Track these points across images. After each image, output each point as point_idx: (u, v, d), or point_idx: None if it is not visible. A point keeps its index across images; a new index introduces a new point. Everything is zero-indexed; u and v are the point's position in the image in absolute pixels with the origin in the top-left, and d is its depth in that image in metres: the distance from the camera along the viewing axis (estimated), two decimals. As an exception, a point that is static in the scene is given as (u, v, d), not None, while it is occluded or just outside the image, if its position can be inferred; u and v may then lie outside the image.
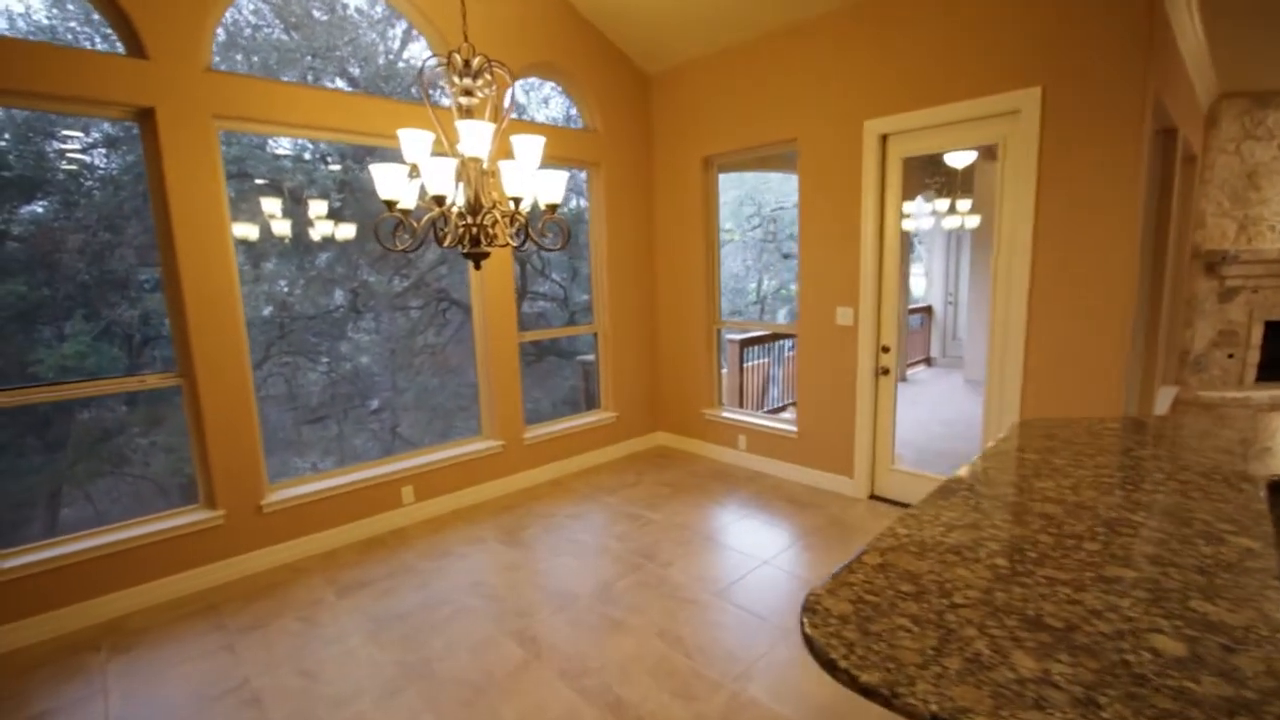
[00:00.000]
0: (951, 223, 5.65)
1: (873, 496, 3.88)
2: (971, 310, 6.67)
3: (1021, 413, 3.18)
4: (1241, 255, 4.73)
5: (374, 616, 2.75)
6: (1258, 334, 4.96)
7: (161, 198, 2.82)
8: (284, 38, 4.96)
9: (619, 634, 2.58)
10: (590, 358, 5.53)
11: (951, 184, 5.60)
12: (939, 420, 5.86)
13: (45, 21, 3.81)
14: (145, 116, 2.78)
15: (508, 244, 2.42)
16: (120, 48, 2.75)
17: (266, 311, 5.37)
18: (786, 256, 12.66)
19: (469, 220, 2.39)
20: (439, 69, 2.34)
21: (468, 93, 2.37)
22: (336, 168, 5.45)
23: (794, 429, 4.23)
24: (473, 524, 3.71)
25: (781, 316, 11.99)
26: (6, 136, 3.93)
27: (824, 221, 3.85)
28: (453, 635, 2.60)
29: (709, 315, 4.72)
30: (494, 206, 2.43)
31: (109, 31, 2.79)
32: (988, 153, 5.27)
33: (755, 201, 12.18)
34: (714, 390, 4.82)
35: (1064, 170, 2.91)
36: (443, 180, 2.13)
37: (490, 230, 2.44)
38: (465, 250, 2.43)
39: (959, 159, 5.07)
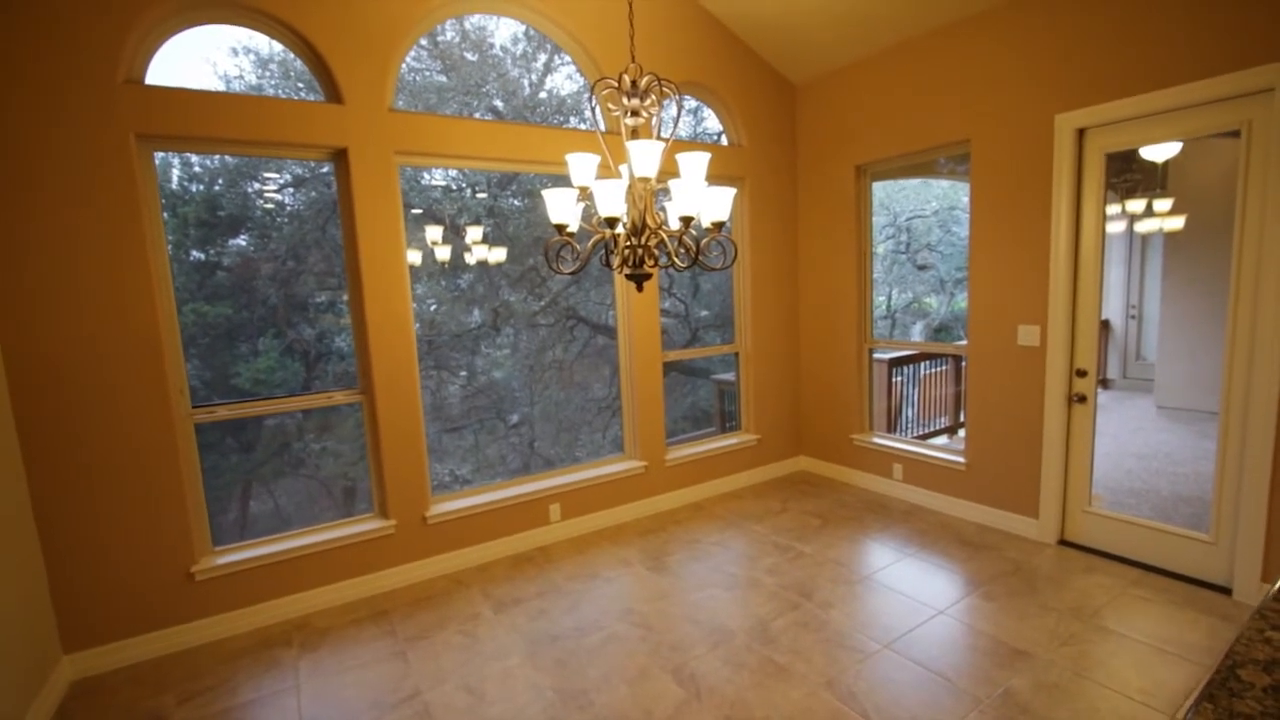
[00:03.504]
0: (1147, 226, 4.89)
1: (1062, 542, 3.38)
2: (1166, 326, 5.74)
3: (1276, 454, 2.60)
4: None
5: (530, 636, 2.76)
6: None
7: (351, 228, 3.07)
8: (441, 79, 5.35)
9: (783, 681, 2.39)
10: (728, 376, 5.39)
11: (1148, 181, 4.85)
12: (1130, 454, 5.05)
13: (254, 80, 4.36)
14: (339, 156, 3.04)
15: (673, 264, 2.35)
16: (321, 96, 3.04)
17: (418, 328, 5.83)
18: (921, 268, 11.78)
19: (634, 241, 2.35)
20: (605, 91, 2.33)
21: (635, 113, 2.33)
22: (483, 195, 5.78)
23: (961, 460, 3.81)
24: (617, 545, 3.68)
25: (916, 333, 11.15)
26: (220, 182, 4.53)
27: (1002, 228, 3.45)
28: (608, 664, 2.54)
29: (860, 333, 4.40)
30: (660, 226, 2.38)
31: (300, 85, 3.10)
32: (1197, 144, 4.52)
33: (890, 210, 11.48)
34: (864, 414, 4.48)
35: (1341, 158, 2.36)
36: (614, 202, 2.10)
37: (654, 251, 2.39)
38: (630, 272, 2.39)
39: (1159, 152, 4.38)
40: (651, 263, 2.39)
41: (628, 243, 2.36)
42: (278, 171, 4.77)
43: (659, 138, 2.23)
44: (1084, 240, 3.19)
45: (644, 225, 2.35)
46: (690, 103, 5.03)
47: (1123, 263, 7.44)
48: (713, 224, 2.38)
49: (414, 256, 4.51)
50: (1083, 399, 3.27)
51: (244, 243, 4.86)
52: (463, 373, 6.37)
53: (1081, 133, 3.09)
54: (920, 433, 6.10)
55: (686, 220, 2.23)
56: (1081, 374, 3.26)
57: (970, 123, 3.51)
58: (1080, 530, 3.33)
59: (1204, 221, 5.09)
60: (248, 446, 5.06)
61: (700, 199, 2.24)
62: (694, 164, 2.21)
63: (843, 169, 4.27)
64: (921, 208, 11.47)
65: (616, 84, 2.29)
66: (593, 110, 2.45)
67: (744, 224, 4.43)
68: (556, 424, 6.42)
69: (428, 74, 5.54)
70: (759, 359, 4.59)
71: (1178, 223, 4.91)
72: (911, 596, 2.96)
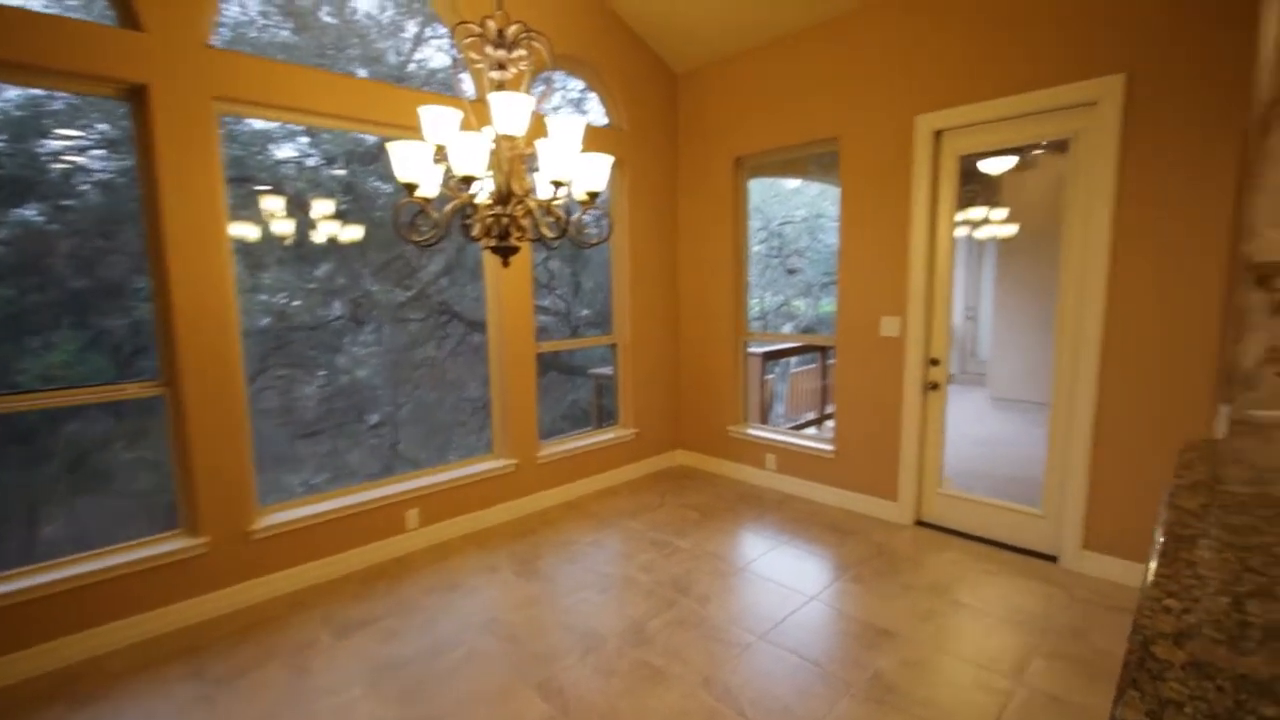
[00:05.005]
0: (985, 234, 5.40)
1: (919, 522, 3.57)
2: (998, 326, 6.40)
3: (1095, 437, 2.88)
4: (1297, 269, 4.50)
5: (376, 662, 2.41)
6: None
7: (152, 185, 2.53)
8: (292, 39, 4.71)
9: (659, 684, 2.25)
10: (606, 371, 5.24)
11: (986, 192, 5.35)
12: (970, 440, 5.54)
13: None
14: (137, 95, 2.50)
15: (544, 237, 2.13)
16: (112, 18, 2.47)
17: (264, 323, 5.08)
18: (791, 273, 12.44)
19: (499, 210, 2.11)
20: (469, 40, 2.06)
21: (501, 66, 2.09)
22: (341, 172, 5.18)
23: (830, 448, 3.93)
24: (484, 551, 3.38)
25: (788, 331, 11.74)
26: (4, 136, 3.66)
27: (869, 224, 3.58)
28: (466, 686, 2.26)
29: (736, 326, 4.43)
30: (526, 195, 2.15)
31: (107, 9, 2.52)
32: (1026, 161, 5.04)
33: (763, 214, 11.98)
34: (740, 406, 4.52)
35: (1147, 168, 2.65)
36: (473, 159, 1.84)
37: (521, 222, 2.15)
38: (494, 244, 2.14)
39: (995, 165, 4.83)
40: (519, 235, 2.16)
41: (491, 211, 2.11)
42: (80, 129, 3.94)
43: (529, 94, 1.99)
44: (939, 237, 3.37)
45: (509, 193, 2.10)
46: (573, 91, 4.83)
47: (962, 267, 8.23)
48: (587, 194, 2.19)
49: (248, 231, 3.91)
50: (936, 386, 3.47)
51: (33, 214, 3.97)
52: (321, 371, 5.69)
53: (939, 134, 3.26)
54: (791, 426, 6.33)
55: (557, 185, 2.02)
56: (935, 363, 3.45)
57: (840, 121, 3.61)
58: (934, 510, 3.53)
59: (1033, 230, 5.71)
60: (37, 458, 4.14)
61: (573, 164, 2.04)
62: (567, 126, 2.00)
63: (722, 160, 4.27)
64: (791, 214, 12.07)
65: (480, 30, 2.03)
66: (455, 64, 2.16)
67: (624, 209, 4.29)
68: (428, 426, 5.92)
69: (275, 30, 4.87)
70: (638, 350, 4.47)
71: (1011, 230, 5.48)
72: (785, 585, 2.95)
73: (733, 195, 4.28)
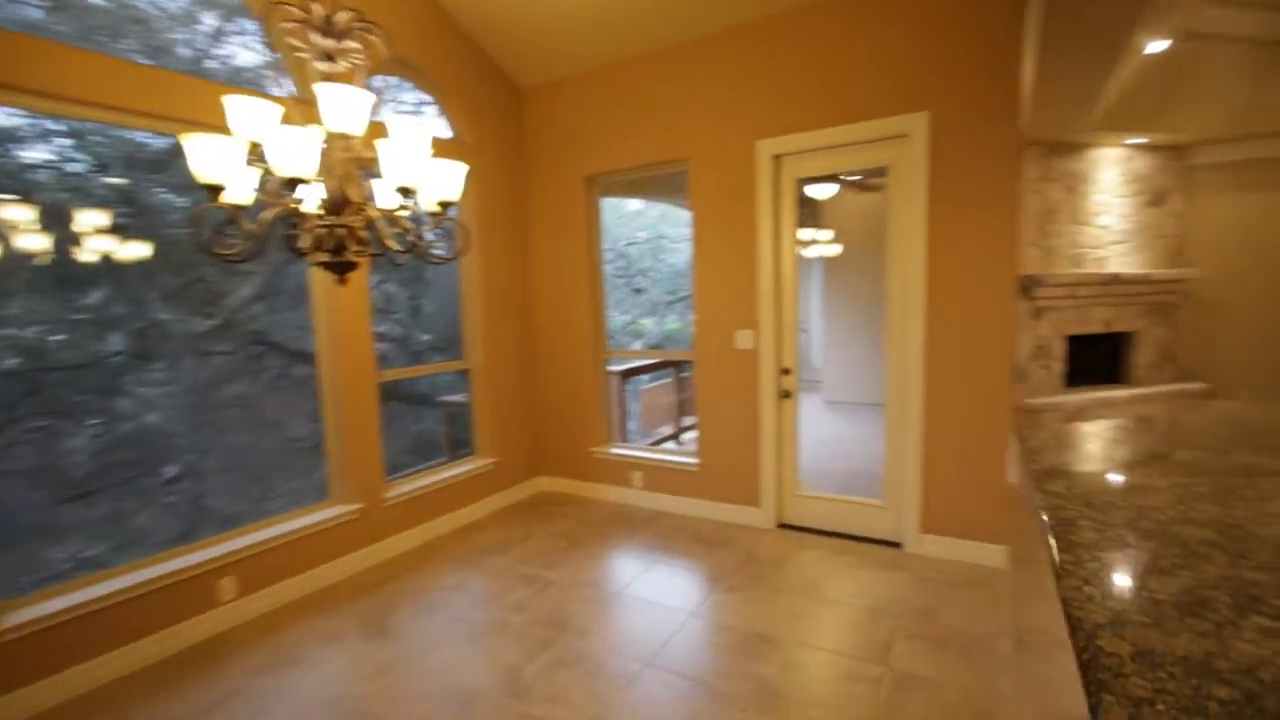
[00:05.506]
0: (813, 253, 5.92)
1: (781, 525, 3.73)
2: (829, 336, 7.04)
3: (925, 431, 3.21)
4: (1048, 279, 5.48)
5: (187, 776, 1.94)
6: (1061, 348, 5.76)
7: None
8: (44, 19, 3.85)
9: (544, 738, 2.05)
10: (456, 398, 4.88)
11: (813, 215, 5.87)
12: (814, 441, 5.99)
13: None
14: None
15: (389, 250, 1.89)
16: None
17: (10, 363, 4.03)
18: (638, 292, 12.79)
19: (332, 221, 1.83)
20: (289, 25, 1.77)
21: (329, 57, 1.83)
22: (120, 180, 4.31)
23: (694, 461, 3.99)
24: (326, 614, 2.92)
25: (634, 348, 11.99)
26: None
27: (720, 243, 3.72)
28: (314, 784, 1.89)
29: (596, 345, 4.36)
30: (365, 204, 1.89)
31: None
32: (852, 186, 5.63)
33: (610, 235, 12.20)
34: (604, 426, 4.44)
35: (950, 193, 3.03)
36: (299, 157, 1.57)
37: (359, 234, 1.89)
38: (327, 260, 1.86)
39: (821, 191, 5.32)
40: (357, 249, 1.89)
41: (323, 222, 1.83)
42: None
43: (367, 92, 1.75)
44: (783, 254, 3.59)
45: (344, 200, 1.84)
46: (406, 105, 4.48)
47: (792, 286, 8.93)
48: (439, 205, 1.99)
49: (-23, 245, 3.06)
50: (788, 394, 3.67)
51: None
52: (94, 419, 4.63)
53: (778, 159, 3.48)
54: (649, 443, 6.39)
55: (404, 193, 1.80)
56: (787, 372, 3.65)
57: (690, 143, 3.73)
58: (794, 512, 3.71)
59: (855, 250, 6.38)
60: None
61: (422, 169, 1.83)
62: (413, 126, 1.80)
63: (573, 178, 4.21)
64: (634, 235, 12.42)
65: (303, 14, 1.76)
66: (272, 64, 1.85)
67: (473, 227, 4.05)
68: (243, 474, 5.08)
69: (19, 6, 3.95)
70: (493, 374, 4.22)
71: (836, 250, 6.06)
72: (664, 604, 2.90)
73: (585, 213, 4.23)
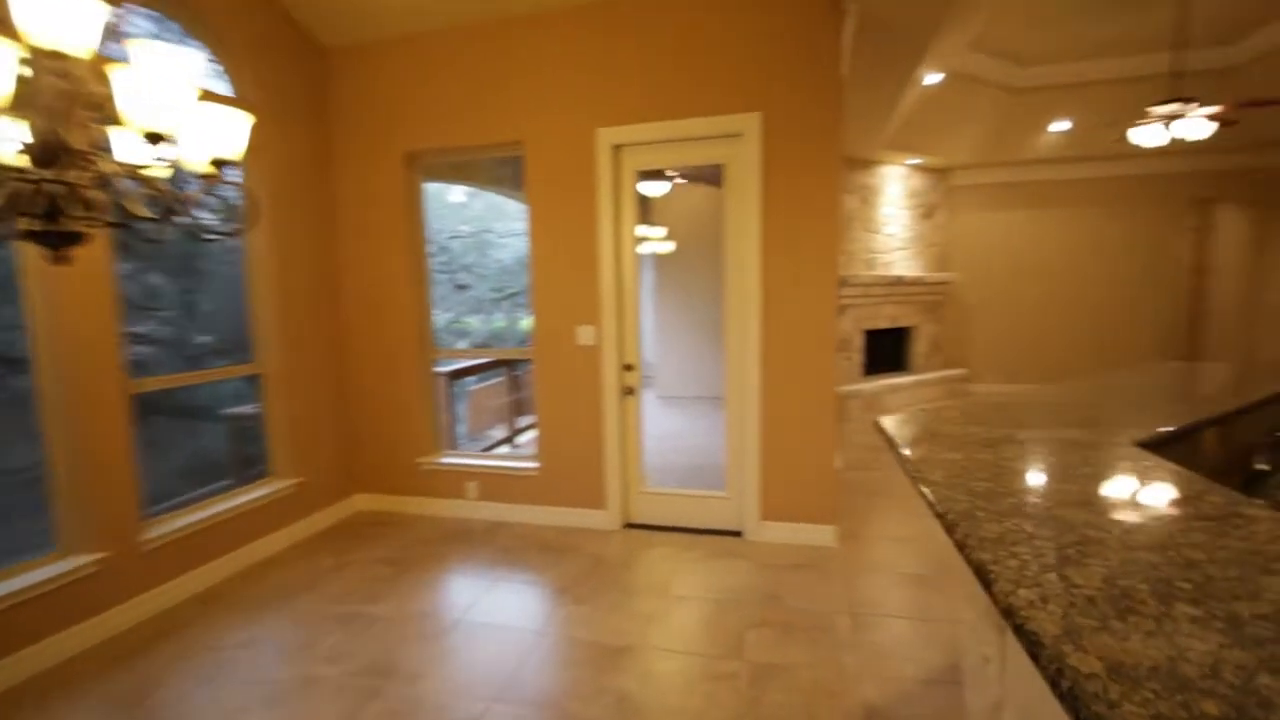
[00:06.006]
0: (644, 249, 5.95)
1: (628, 525, 3.65)
2: (661, 332, 7.19)
3: (762, 423, 3.32)
4: (849, 280, 6.12)
5: None
6: (860, 340, 6.49)
7: None
8: None
9: (374, 814, 1.71)
10: (246, 409, 4.10)
11: (644, 212, 5.91)
12: (651, 436, 6.05)
13: None
14: None
15: (136, 219, 1.42)
16: None
17: None
18: (461, 288, 12.10)
19: (44, 176, 1.34)
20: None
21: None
22: None
23: (535, 465, 3.75)
24: (62, 701, 2.20)
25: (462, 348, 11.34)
26: None
27: (559, 234, 3.52)
28: None
29: (422, 344, 3.92)
30: (96, 155, 1.41)
31: None
32: (683, 185, 5.73)
33: (429, 227, 11.38)
34: (432, 433, 4.01)
35: (781, 194, 3.16)
36: (-26, 72, 1.09)
37: (86, 194, 1.41)
38: (36, 229, 1.36)
39: (653, 188, 5.36)
40: (83, 215, 1.40)
41: (26, 176, 1.33)
42: None
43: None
44: (624, 247, 3.50)
45: (61, 146, 1.34)
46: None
47: (623, 283, 8.99)
48: (213, 163, 1.56)
49: None
50: (631, 391, 3.59)
51: None
52: None
53: (618, 149, 3.38)
54: (481, 448, 5.99)
55: (154, 140, 1.36)
56: (629, 368, 3.57)
57: (525, 125, 3.47)
58: (640, 511, 3.65)
59: (686, 247, 6.55)
60: None
61: (182, 111, 1.40)
62: (166, 52, 1.36)
63: (389, 155, 3.72)
64: (458, 228, 11.72)
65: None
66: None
67: (262, 204, 3.39)
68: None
69: None
70: (294, 381, 3.59)
71: (669, 247, 6.17)
72: (510, 626, 2.64)
73: (406, 196, 3.77)
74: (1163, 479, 1.03)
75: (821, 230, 3.15)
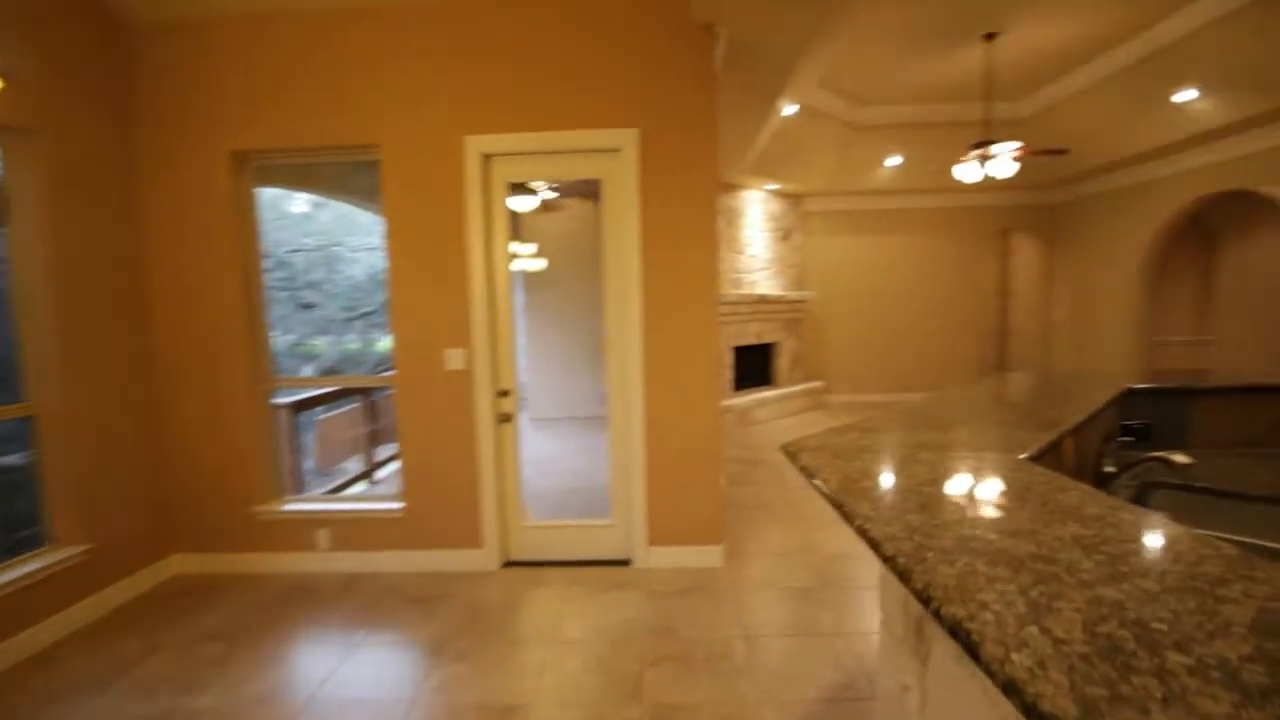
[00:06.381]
0: (516, 266, 5.70)
1: (508, 564, 3.37)
2: (532, 353, 6.93)
3: (648, 446, 3.23)
4: (720, 298, 6.31)
5: None
6: (730, 357, 6.70)
7: None
8: None
9: None
10: (13, 460, 3.28)
11: (515, 228, 5.66)
12: (527, 463, 5.79)
13: None
14: None
15: None
16: None
17: None
18: (307, 308, 10.96)
19: None
20: None
21: None
22: None
23: (398, 505, 3.35)
24: None
25: (308, 374, 10.22)
26: None
27: (424, 250, 3.20)
28: None
29: (256, 373, 3.37)
30: None
31: None
32: (551, 204, 5.56)
33: (265, 240, 10.18)
34: (271, 476, 3.46)
35: (660, 211, 3.12)
36: None
37: None
38: None
39: (521, 204, 5.16)
40: None
41: None
42: None
43: None
44: (496, 265, 3.27)
45: None
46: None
47: (491, 302, 8.62)
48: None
49: None
50: (508, 418, 3.34)
51: None
52: None
53: (488, 159, 3.15)
54: (332, 486, 5.34)
55: None
56: (505, 394, 3.33)
57: (382, 127, 3.13)
58: (520, 547, 3.39)
59: (558, 264, 6.37)
60: None
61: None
62: None
63: (215, 155, 3.19)
64: (301, 241, 10.60)
65: None
66: None
67: (33, 203, 2.73)
68: None
69: None
70: (79, 421, 2.91)
71: (540, 264, 5.96)
72: (376, 699, 2.28)
73: (234, 201, 3.25)
74: (1070, 498, 1.04)
75: (701, 248, 3.15)
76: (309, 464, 5.48)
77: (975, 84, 5.38)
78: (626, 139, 3.06)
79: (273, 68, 3.14)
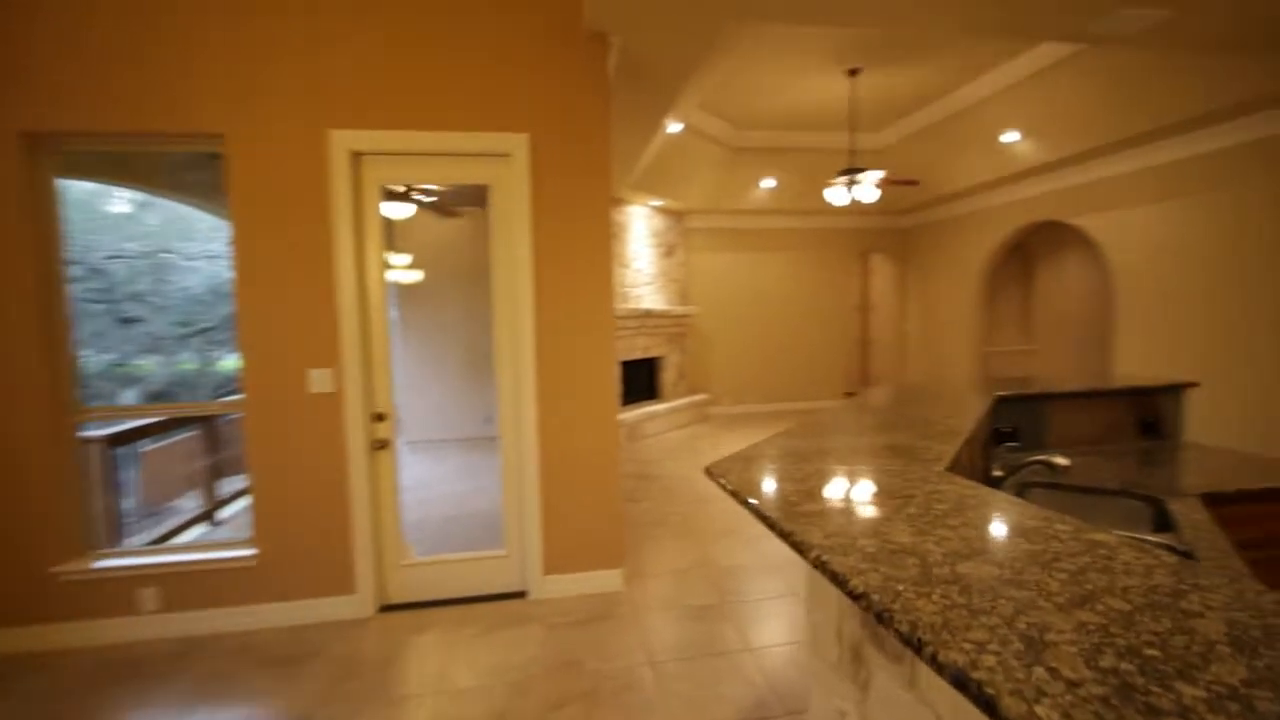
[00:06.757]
0: (391, 278, 5.26)
1: (386, 608, 3.01)
2: (406, 372, 6.42)
3: (543, 469, 3.04)
4: (606, 314, 6.25)
5: None
6: (617, 371, 6.64)
7: None
8: None
9: None
10: None
11: (388, 237, 5.22)
12: (404, 490, 5.31)
13: None
14: None
15: None
16: None
17: None
18: (128, 322, 9.48)
19: None
20: None
21: None
22: None
23: (250, 551, 2.88)
24: None
25: (130, 400, 8.81)
26: None
27: (280, 256, 2.80)
28: None
29: (55, 401, 2.76)
30: None
31: None
32: (432, 209, 5.18)
33: (76, 244, 8.66)
34: (79, 526, 2.84)
35: (553, 221, 2.98)
36: None
37: None
38: None
39: (396, 210, 4.77)
40: None
41: None
42: None
43: None
44: (369, 276, 2.95)
45: None
46: None
47: (359, 316, 7.93)
48: None
49: None
50: (384, 444, 3.01)
51: None
52: None
53: (358, 157, 2.83)
54: (160, 534, 4.55)
55: None
56: (381, 418, 2.99)
57: (226, 115, 2.70)
58: (400, 588, 3.04)
59: (436, 277, 5.95)
60: None
61: None
62: None
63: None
64: (122, 246, 9.19)
65: None
66: None
67: None
68: None
69: None
70: None
71: (416, 276, 5.54)
72: (221, 795, 1.89)
73: (24, 193, 2.65)
74: (1002, 509, 1.04)
75: (596, 259, 3.05)
76: (132, 505, 4.65)
77: (842, 114, 5.80)
78: (517, 144, 2.89)
79: (82, 29, 2.61)
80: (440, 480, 5.41)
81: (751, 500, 1.15)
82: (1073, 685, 0.56)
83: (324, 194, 2.80)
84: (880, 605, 0.73)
